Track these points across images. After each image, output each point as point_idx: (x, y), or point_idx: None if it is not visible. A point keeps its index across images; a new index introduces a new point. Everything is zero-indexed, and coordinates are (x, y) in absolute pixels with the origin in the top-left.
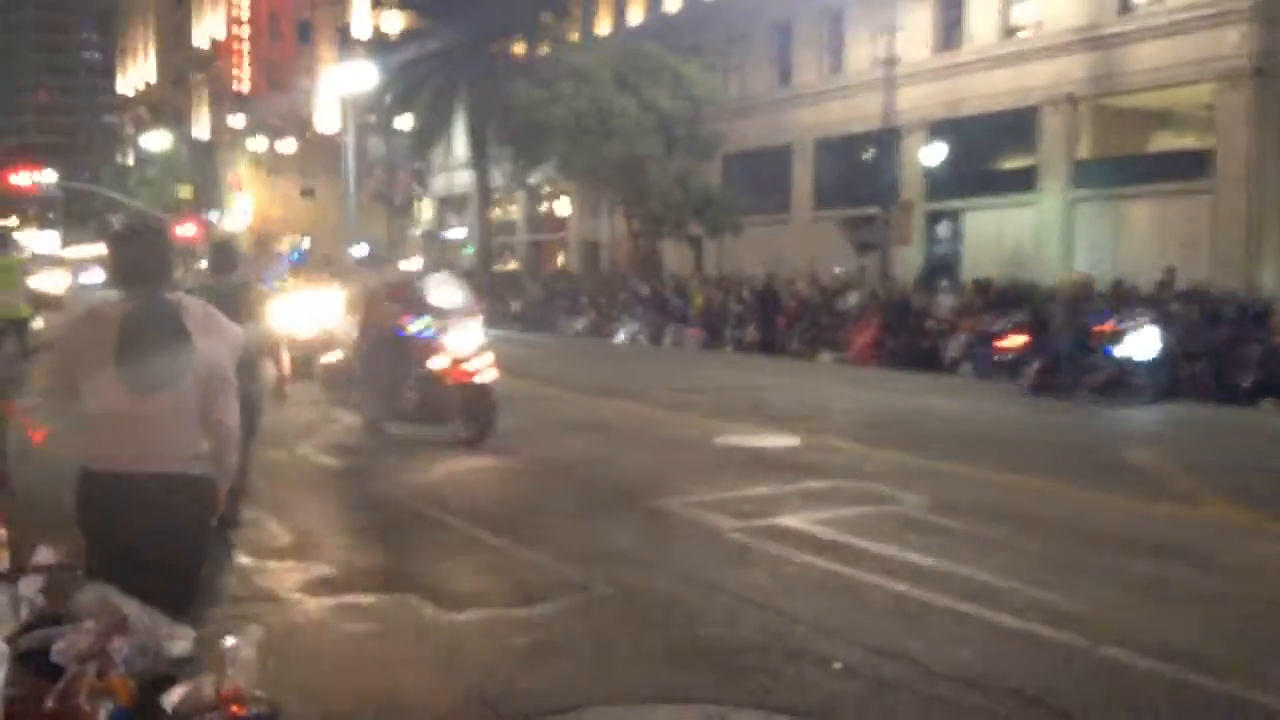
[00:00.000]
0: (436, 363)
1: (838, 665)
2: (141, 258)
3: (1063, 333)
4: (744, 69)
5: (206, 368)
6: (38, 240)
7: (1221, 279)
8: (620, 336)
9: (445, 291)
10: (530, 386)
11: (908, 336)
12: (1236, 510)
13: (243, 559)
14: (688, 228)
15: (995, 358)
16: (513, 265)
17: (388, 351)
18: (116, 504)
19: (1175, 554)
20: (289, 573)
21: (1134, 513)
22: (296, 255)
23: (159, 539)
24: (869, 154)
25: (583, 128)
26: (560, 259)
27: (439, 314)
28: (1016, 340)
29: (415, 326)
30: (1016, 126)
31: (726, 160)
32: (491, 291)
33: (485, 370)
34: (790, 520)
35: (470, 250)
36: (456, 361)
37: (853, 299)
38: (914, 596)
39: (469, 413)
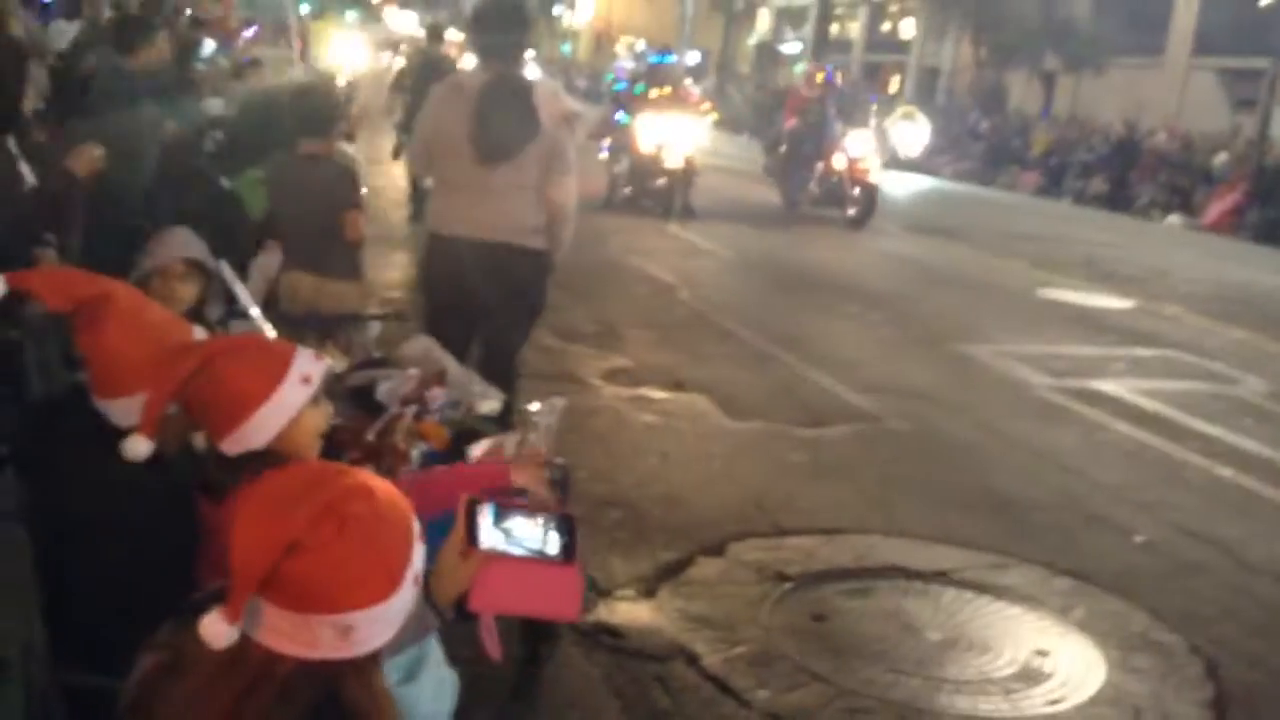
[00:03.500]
0: (838, 161)
1: (1139, 539)
2: (500, 34)
3: None
4: None
5: (549, 146)
6: (397, 18)
7: None
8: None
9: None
10: None
11: (1277, 208)
12: None
13: (550, 340)
14: (1042, 61)
15: None
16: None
17: (803, 148)
18: (458, 264)
19: None
20: (591, 359)
21: None
22: (657, 59)
23: (492, 302)
24: None
25: None
26: (894, 83)
27: (846, 119)
28: None
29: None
30: None
31: None
32: None
33: (874, 170)
34: (1110, 386)
35: (801, 68)
36: (852, 161)
37: (1220, 159)
38: (1238, 483)
39: (857, 202)
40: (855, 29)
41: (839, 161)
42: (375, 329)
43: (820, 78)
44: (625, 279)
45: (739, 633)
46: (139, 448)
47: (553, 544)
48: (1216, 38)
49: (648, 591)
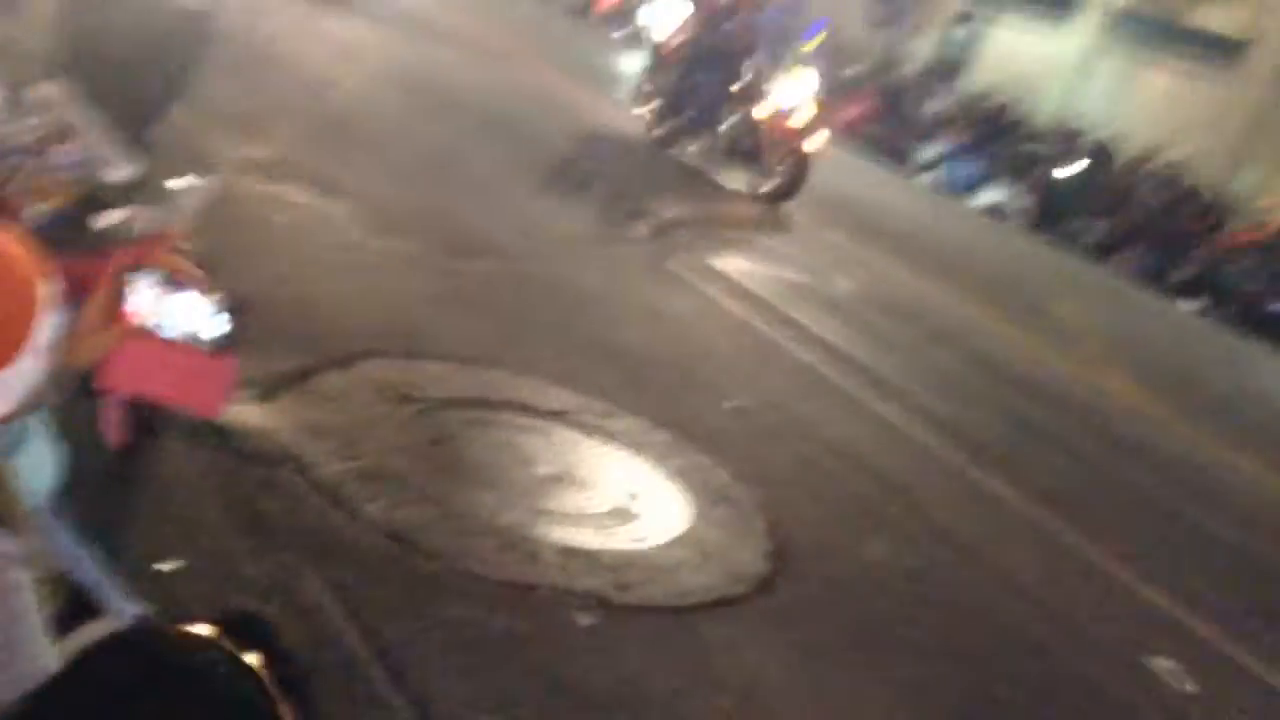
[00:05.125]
0: (761, 109)
1: (730, 404)
2: None
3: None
4: None
5: None
6: None
7: (1202, 172)
8: None
9: (793, 23)
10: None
11: (893, 127)
12: (1139, 389)
13: (189, 118)
14: None
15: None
16: None
17: (714, 72)
18: (109, 10)
19: (1070, 410)
20: (232, 146)
21: (1042, 360)
22: None
23: (141, 57)
24: None
25: None
26: None
27: (775, 53)
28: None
29: (748, 62)
30: None
31: None
32: None
33: (814, 133)
34: (725, 265)
35: None
36: (781, 115)
37: (853, 70)
38: (818, 370)
39: (779, 171)
40: None
41: (761, 110)
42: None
43: None
44: (281, 64)
45: (355, 448)
46: None
47: (211, 329)
48: None
49: (263, 396)
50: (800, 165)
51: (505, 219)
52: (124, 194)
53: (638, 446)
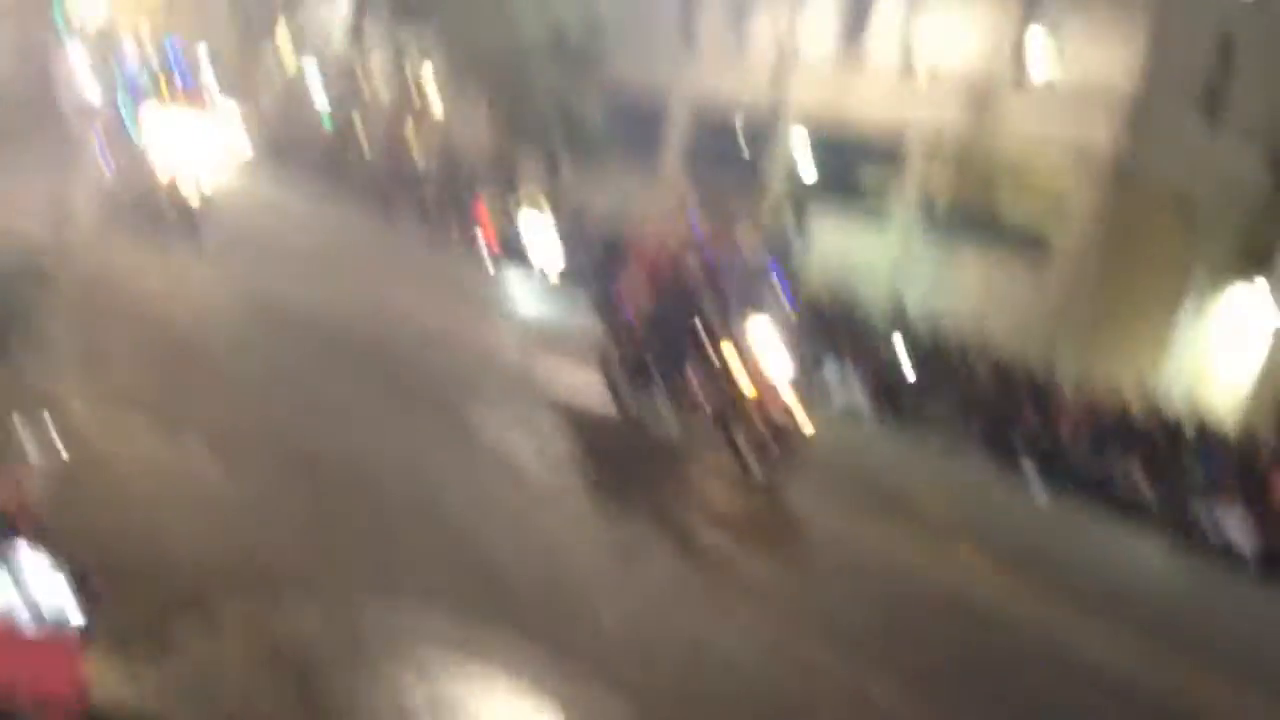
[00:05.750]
0: (746, 385)
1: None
2: None
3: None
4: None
5: None
6: None
7: (1027, 354)
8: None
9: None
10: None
11: None
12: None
13: (26, 360)
14: (552, 144)
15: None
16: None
17: (681, 334)
18: None
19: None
20: (71, 386)
21: (911, 558)
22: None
23: None
24: (749, 140)
25: None
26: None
27: (742, 308)
28: None
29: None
30: (889, 148)
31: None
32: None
33: (799, 414)
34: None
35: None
36: (768, 390)
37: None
38: (689, 576)
39: (769, 455)
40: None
41: (746, 385)
42: None
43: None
44: (122, 304)
45: (219, 697)
46: None
47: (69, 603)
48: (705, 168)
49: (119, 655)
50: (794, 444)
51: (369, 442)
52: None
53: (512, 668)
